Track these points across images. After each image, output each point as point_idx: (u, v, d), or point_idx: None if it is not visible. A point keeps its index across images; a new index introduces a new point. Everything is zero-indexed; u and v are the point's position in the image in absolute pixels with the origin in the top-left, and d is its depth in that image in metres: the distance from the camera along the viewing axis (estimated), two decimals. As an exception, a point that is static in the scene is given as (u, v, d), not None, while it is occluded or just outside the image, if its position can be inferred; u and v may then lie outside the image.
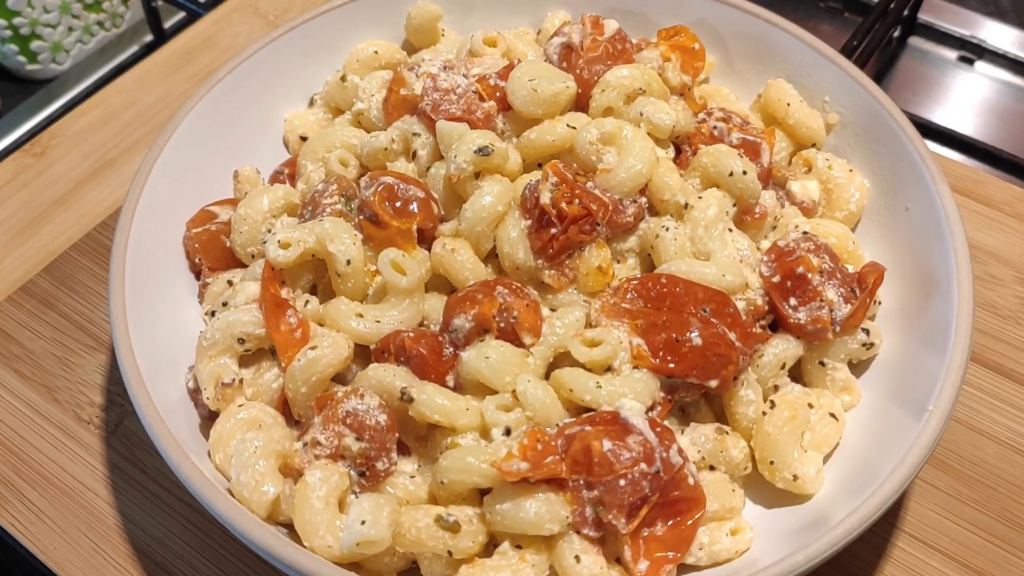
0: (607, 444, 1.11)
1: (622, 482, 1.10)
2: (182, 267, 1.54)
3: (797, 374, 1.44)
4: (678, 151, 1.58)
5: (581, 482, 1.12)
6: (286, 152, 1.73)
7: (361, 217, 1.45)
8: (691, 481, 1.17)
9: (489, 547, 1.16)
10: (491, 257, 1.45)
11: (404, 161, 1.57)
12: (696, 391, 1.32)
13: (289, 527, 1.23)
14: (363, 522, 1.12)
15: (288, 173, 1.65)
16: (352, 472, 1.25)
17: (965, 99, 2.34)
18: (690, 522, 1.15)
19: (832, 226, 1.52)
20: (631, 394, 1.19)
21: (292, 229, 1.41)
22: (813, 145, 1.63)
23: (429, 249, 1.44)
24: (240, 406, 1.31)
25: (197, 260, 1.53)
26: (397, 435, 1.28)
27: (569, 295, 1.40)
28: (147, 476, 1.50)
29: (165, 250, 1.52)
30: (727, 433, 1.32)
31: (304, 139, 1.69)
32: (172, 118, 1.58)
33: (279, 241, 1.38)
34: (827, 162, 1.57)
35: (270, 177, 1.67)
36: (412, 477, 1.28)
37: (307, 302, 1.40)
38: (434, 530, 1.17)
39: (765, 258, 1.43)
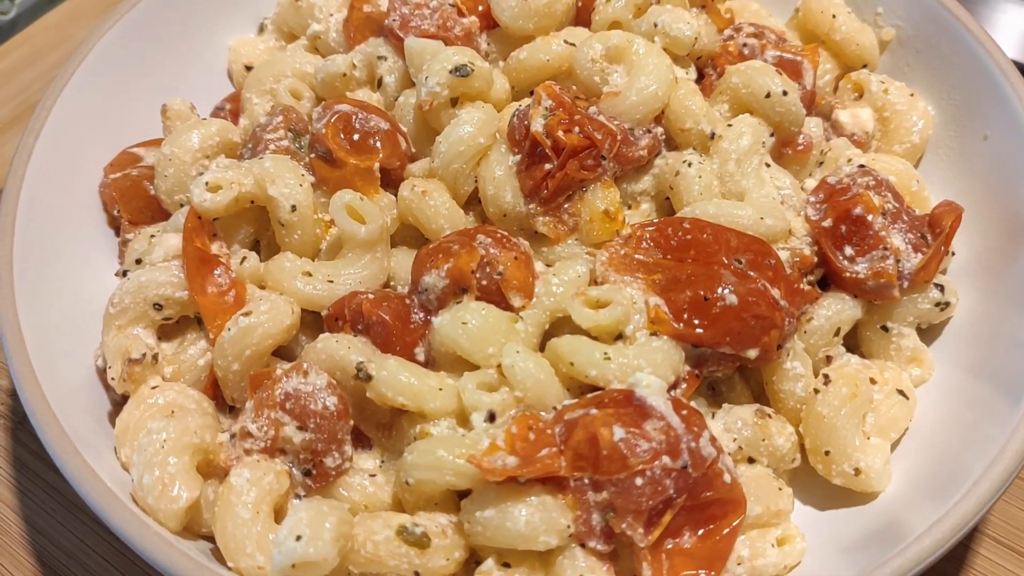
0: (619, 432, 0.93)
1: (639, 481, 0.92)
2: (98, 220, 1.30)
3: (852, 343, 1.19)
4: (700, 76, 1.32)
5: (586, 481, 0.94)
6: (231, 86, 1.47)
7: (312, 155, 1.19)
8: (727, 478, 0.97)
9: (469, 564, 0.99)
10: (473, 203, 1.21)
11: (368, 91, 1.33)
12: (730, 363, 1.08)
13: (214, 541, 0.97)
14: (299, 537, 0.87)
15: (230, 109, 1.41)
16: (295, 471, 1.00)
17: (1018, 38, 2.05)
18: (726, 530, 0.97)
19: (891, 161, 1.26)
20: (648, 368, 1.01)
21: (225, 169, 1.14)
22: (864, 66, 1.39)
23: (396, 194, 1.19)
24: (154, 388, 1.05)
25: (116, 212, 1.29)
26: (352, 423, 1.04)
27: (569, 247, 1.16)
28: (59, 476, 1.22)
29: (76, 200, 1.28)
30: (769, 416, 1.08)
31: (250, 69, 1.41)
32: (84, 41, 1.30)
33: (207, 183, 1.12)
34: (882, 86, 1.33)
35: (210, 114, 1.43)
36: (372, 476, 1.05)
37: (244, 259, 1.14)
38: (396, 545, 0.94)
39: (812, 198, 1.17)
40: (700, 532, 0.95)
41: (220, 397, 1.10)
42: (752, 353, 1.04)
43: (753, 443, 1.05)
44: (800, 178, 1.23)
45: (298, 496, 1.00)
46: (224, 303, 1.09)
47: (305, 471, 1.00)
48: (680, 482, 0.93)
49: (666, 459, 0.92)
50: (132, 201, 1.26)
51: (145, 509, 0.95)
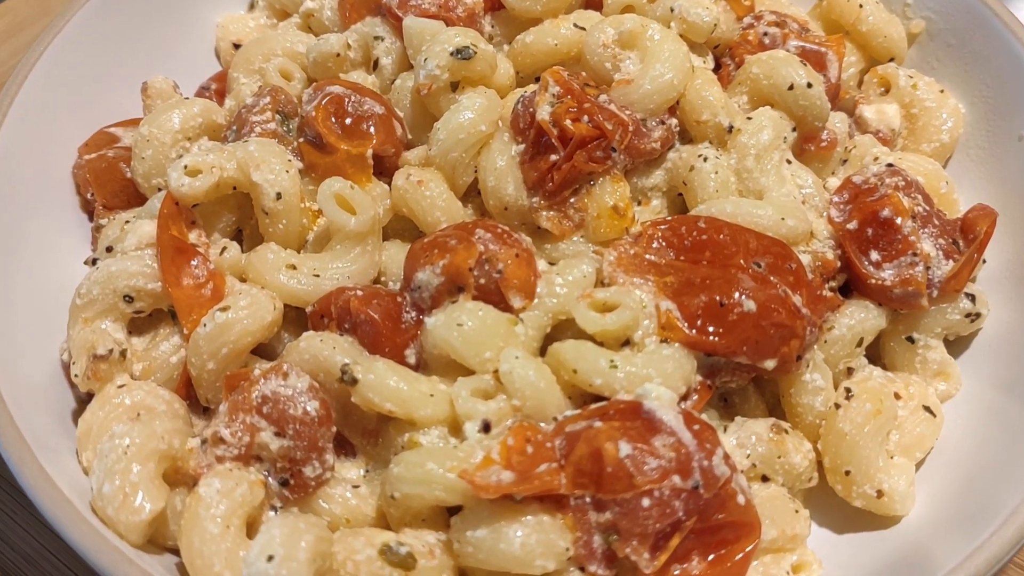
0: (625, 447, 0.86)
1: (646, 501, 0.86)
2: (70, 204, 1.22)
3: (875, 354, 1.12)
4: (717, 66, 1.25)
5: (588, 500, 0.88)
6: (218, 64, 1.40)
7: (301, 139, 1.12)
8: (741, 500, 0.90)
9: None
10: (472, 195, 1.14)
11: (363, 73, 1.26)
12: (745, 374, 1.01)
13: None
14: (271, 557, 0.80)
15: (216, 90, 1.34)
16: (271, 480, 0.93)
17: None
18: (739, 556, 0.90)
19: (918, 161, 1.19)
20: (658, 377, 0.94)
21: (207, 152, 1.07)
22: (891, 60, 1.32)
23: (389, 183, 1.12)
24: (121, 387, 0.98)
25: (89, 195, 1.21)
26: (335, 430, 0.96)
27: (574, 244, 1.09)
28: (21, 475, 1.16)
29: (47, 182, 1.20)
30: (786, 432, 1.01)
31: (239, 47, 1.34)
32: (62, 11, 1.22)
33: (186, 167, 1.05)
34: (911, 80, 1.26)
35: (194, 94, 1.36)
36: (355, 487, 0.97)
37: (224, 249, 1.06)
38: (379, 566, 0.87)
39: (836, 198, 1.11)
40: (710, 557, 0.89)
41: (194, 398, 1.02)
42: (770, 364, 0.97)
43: (768, 460, 0.98)
44: (822, 176, 1.17)
45: (274, 508, 0.93)
46: (201, 296, 1.02)
47: (282, 481, 0.92)
48: (690, 503, 0.86)
49: (676, 478, 0.86)
50: (107, 184, 1.19)
51: (105, 520, 0.87)
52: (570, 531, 0.87)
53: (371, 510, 0.95)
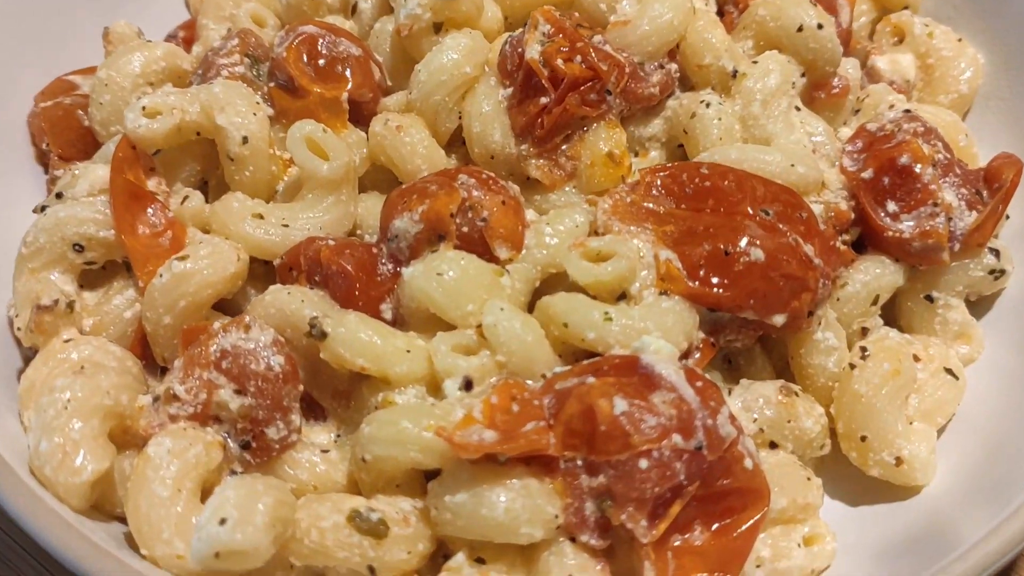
0: (620, 404, 0.80)
1: (644, 463, 0.80)
2: (24, 155, 1.15)
3: (890, 315, 1.06)
4: (720, 14, 1.18)
5: (579, 463, 0.82)
6: (187, 12, 1.33)
7: (271, 84, 1.04)
8: (748, 464, 0.84)
9: (436, 559, 0.86)
10: (456, 144, 1.08)
11: (341, 18, 1.20)
12: (751, 332, 0.95)
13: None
14: (223, 520, 0.72)
15: (184, 38, 1.28)
16: (231, 442, 0.87)
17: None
18: (745, 526, 0.84)
19: (936, 113, 1.14)
20: (657, 331, 0.87)
21: (167, 95, 0.99)
22: (906, 8, 1.25)
23: (367, 132, 1.06)
24: (67, 342, 0.90)
25: (45, 146, 1.14)
26: (302, 389, 0.90)
27: (566, 195, 1.03)
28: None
29: None
30: (796, 395, 0.95)
31: (209, -6, 1.26)
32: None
33: (144, 107, 0.97)
34: (926, 29, 1.20)
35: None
36: (324, 452, 0.91)
37: (185, 198, 0.99)
38: (347, 533, 0.81)
39: (849, 147, 1.05)
40: (714, 527, 0.83)
41: (150, 357, 0.96)
42: (779, 319, 0.90)
43: (777, 425, 0.92)
44: (834, 126, 1.11)
45: (234, 472, 0.86)
46: (157, 246, 0.95)
47: (243, 443, 0.86)
48: (692, 466, 0.79)
49: (677, 438, 0.79)
50: (63, 133, 1.13)
51: (43, 482, 0.81)
52: (560, 497, 0.80)
53: (341, 476, 0.88)
